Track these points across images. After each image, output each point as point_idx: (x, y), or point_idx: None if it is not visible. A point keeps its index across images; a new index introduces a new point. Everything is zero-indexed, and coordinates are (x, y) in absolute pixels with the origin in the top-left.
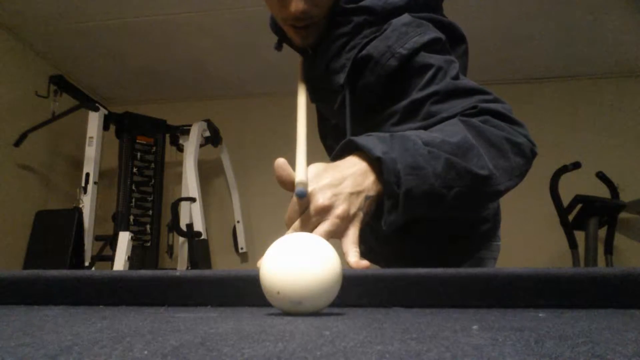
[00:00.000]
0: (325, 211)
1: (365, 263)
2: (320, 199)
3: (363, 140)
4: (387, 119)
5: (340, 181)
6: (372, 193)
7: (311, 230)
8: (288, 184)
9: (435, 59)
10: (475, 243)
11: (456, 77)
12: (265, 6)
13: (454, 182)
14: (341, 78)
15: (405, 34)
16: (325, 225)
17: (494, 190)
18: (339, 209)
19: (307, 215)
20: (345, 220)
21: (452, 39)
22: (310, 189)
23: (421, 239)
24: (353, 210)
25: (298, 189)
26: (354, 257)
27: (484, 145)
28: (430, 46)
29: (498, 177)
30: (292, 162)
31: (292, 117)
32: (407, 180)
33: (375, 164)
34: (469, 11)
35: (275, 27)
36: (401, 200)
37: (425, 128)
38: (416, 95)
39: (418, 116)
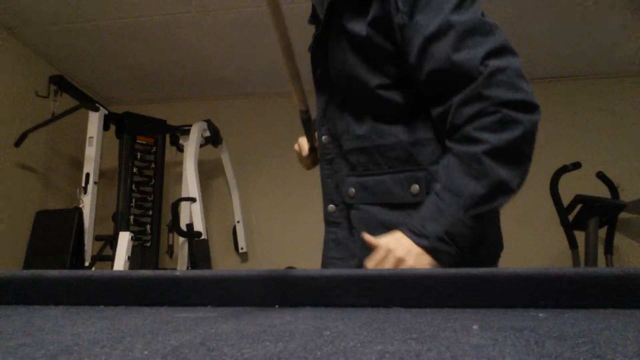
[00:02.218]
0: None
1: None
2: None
3: (427, 231)
4: (418, 29)
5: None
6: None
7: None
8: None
9: None
10: None
11: (482, 14)
12: (265, 6)
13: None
14: None
15: None
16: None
17: (516, 190)
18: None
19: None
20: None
21: None
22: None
23: None
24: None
25: None
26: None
27: (503, 166)
28: None
29: (514, 179)
30: None
31: (292, 117)
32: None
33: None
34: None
35: None
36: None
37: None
38: (452, 17)
39: (444, 40)
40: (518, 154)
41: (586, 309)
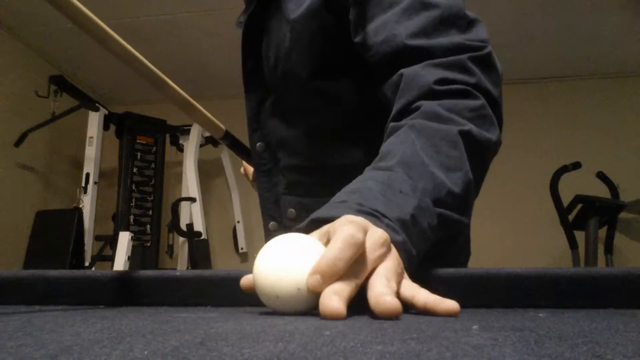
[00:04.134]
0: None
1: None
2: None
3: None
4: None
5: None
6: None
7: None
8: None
9: None
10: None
11: None
12: None
13: (447, 232)
14: None
15: None
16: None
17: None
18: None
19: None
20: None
21: None
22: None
23: None
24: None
25: None
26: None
27: (476, 169)
28: None
29: (474, 194)
30: None
31: None
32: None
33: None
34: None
35: None
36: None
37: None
38: None
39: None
40: (485, 163)
41: (586, 309)
